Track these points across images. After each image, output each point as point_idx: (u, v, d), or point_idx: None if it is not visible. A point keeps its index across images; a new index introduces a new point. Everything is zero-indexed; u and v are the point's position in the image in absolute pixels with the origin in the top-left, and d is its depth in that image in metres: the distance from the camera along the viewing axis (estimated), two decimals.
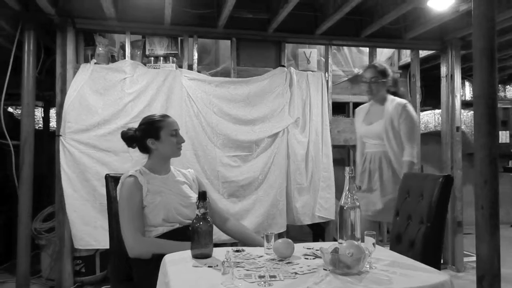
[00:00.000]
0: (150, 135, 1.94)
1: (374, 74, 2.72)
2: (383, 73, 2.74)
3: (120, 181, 1.90)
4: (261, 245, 1.64)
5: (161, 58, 3.45)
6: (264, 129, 3.47)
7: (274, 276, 1.28)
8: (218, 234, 2.46)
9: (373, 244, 1.45)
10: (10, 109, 4.92)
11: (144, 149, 1.99)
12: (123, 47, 3.43)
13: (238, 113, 3.44)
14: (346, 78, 4.23)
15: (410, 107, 2.69)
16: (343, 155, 4.99)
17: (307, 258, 1.52)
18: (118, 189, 1.89)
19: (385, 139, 2.65)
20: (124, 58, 3.36)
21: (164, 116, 2.02)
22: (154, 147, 1.95)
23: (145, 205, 1.84)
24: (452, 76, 3.95)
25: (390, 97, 2.75)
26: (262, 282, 1.22)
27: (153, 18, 3.34)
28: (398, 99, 2.74)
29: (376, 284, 1.23)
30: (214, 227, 1.90)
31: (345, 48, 4.20)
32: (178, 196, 1.91)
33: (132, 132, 1.99)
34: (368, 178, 2.75)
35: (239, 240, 2.11)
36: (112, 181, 2.02)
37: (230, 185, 3.38)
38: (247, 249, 1.64)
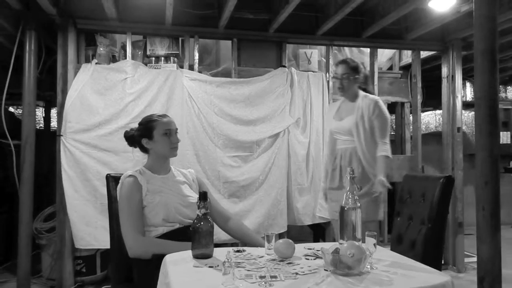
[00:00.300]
0: (144, 135, 1.95)
1: (346, 70, 2.65)
2: (355, 69, 2.67)
3: (120, 181, 1.90)
4: (262, 246, 1.64)
5: (162, 58, 3.45)
6: (265, 130, 3.47)
7: (275, 277, 1.28)
8: (218, 235, 2.46)
9: (374, 244, 1.45)
10: (11, 109, 4.93)
11: (143, 149, 2.00)
12: (124, 47, 3.43)
13: (239, 114, 3.44)
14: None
15: (382, 103, 2.64)
16: None
17: (308, 259, 1.52)
18: (118, 189, 1.90)
19: (355, 135, 2.59)
20: (125, 58, 3.36)
21: (161, 116, 2.00)
22: (149, 147, 1.96)
23: (145, 205, 1.84)
24: (453, 77, 3.95)
25: (362, 93, 2.69)
26: (263, 283, 1.22)
27: (154, 19, 3.34)
28: (370, 96, 2.69)
29: (377, 284, 1.23)
30: (216, 226, 1.91)
31: (346, 48, 4.20)
32: (178, 196, 1.91)
33: (132, 132, 2.00)
34: (339, 176, 2.67)
35: (240, 240, 2.11)
36: (113, 181, 2.02)
37: (231, 185, 3.38)
38: (248, 250, 1.64)
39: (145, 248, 1.75)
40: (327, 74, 3.74)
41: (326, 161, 2.85)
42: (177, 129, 2.02)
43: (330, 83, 3.72)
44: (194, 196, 1.95)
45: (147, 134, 1.95)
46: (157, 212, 1.83)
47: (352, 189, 1.52)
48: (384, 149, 2.57)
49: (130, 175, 1.87)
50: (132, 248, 1.77)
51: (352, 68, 2.66)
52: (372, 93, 2.79)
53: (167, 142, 1.94)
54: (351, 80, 2.64)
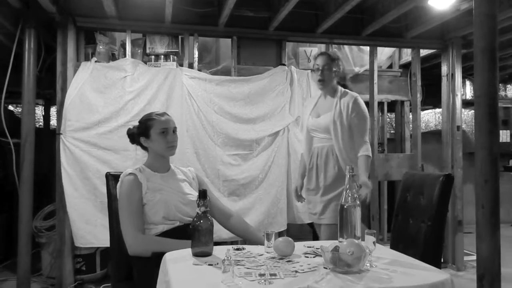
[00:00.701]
0: (142, 133, 1.96)
1: (327, 61, 2.52)
2: (335, 61, 2.56)
3: (120, 179, 1.90)
4: (263, 243, 1.64)
5: (162, 56, 3.45)
6: (265, 128, 3.47)
7: (274, 274, 1.28)
8: (218, 233, 2.47)
9: (374, 242, 1.45)
10: (10, 107, 4.92)
11: (143, 146, 2.00)
12: (123, 46, 3.43)
13: (239, 112, 3.44)
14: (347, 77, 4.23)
15: (361, 101, 2.54)
16: None
17: (307, 257, 1.52)
18: (118, 187, 1.90)
19: (332, 133, 2.46)
20: (125, 56, 3.36)
21: (159, 114, 1.98)
22: (147, 145, 1.97)
23: (145, 202, 1.84)
24: (453, 75, 3.95)
25: (341, 89, 2.58)
26: (263, 280, 1.22)
27: (154, 17, 3.33)
28: (350, 92, 2.59)
29: (377, 282, 1.23)
30: (217, 224, 1.91)
31: (346, 46, 4.19)
32: (178, 194, 1.91)
33: (133, 130, 2.00)
34: (315, 176, 2.56)
35: (242, 237, 2.11)
36: (112, 179, 2.03)
37: (231, 183, 3.38)
38: (248, 248, 1.64)
39: (145, 246, 1.76)
40: None
41: (303, 160, 2.74)
42: (175, 127, 2.00)
43: None
44: (194, 194, 1.95)
45: (145, 132, 1.95)
46: (157, 210, 1.83)
47: (351, 187, 1.52)
48: (366, 148, 2.47)
49: (130, 173, 1.87)
50: (132, 246, 1.77)
51: (333, 60, 2.55)
52: (351, 90, 2.67)
53: (164, 141, 1.93)
54: (332, 73, 2.53)
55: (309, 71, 3.68)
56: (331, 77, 2.54)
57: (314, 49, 3.90)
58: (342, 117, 2.47)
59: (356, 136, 2.49)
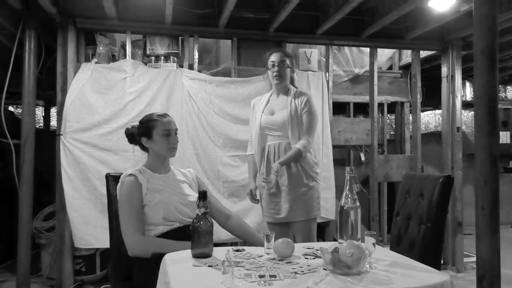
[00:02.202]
0: (143, 133, 1.96)
1: (283, 57, 2.52)
2: (290, 59, 2.56)
3: (120, 180, 1.90)
4: (263, 244, 1.64)
5: (162, 57, 3.45)
6: None
7: (274, 276, 1.28)
8: (218, 234, 2.47)
9: (373, 244, 1.45)
10: (10, 108, 4.92)
11: (143, 147, 2.00)
12: (124, 47, 3.43)
13: (239, 113, 3.44)
14: (347, 78, 4.24)
15: (313, 100, 2.55)
16: (343, 155, 5.00)
17: (307, 258, 1.53)
18: (118, 188, 1.90)
19: (289, 130, 2.45)
20: (125, 57, 3.36)
21: (161, 116, 1.99)
22: (148, 146, 1.97)
23: (145, 203, 1.84)
24: (452, 77, 3.95)
25: (294, 88, 2.59)
26: (262, 282, 1.22)
27: (154, 18, 3.34)
28: (303, 91, 2.61)
29: (376, 284, 1.23)
30: (217, 225, 1.91)
31: (346, 48, 4.20)
32: (178, 195, 1.91)
33: (133, 130, 2.00)
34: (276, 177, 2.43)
35: (241, 238, 2.11)
36: (112, 180, 2.03)
37: (231, 184, 3.38)
38: (247, 249, 1.64)
39: (145, 247, 1.76)
40: (327, 74, 3.74)
41: (252, 161, 2.64)
42: (177, 129, 2.01)
43: (330, 82, 3.73)
44: (194, 195, 1.95)
45: (147, 133, 1.95)
46: (157, 211, 1.83)
47: (351, 188, 1.52)
48: (303, 144, 2.42)
49: (130, 174, 1.88)
50: (132, 247, 1.77)
51: (288, 56, 2.56)
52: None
53: (165, 142, 1.94)
54: (287, 69, 2.52)
55: (309, 72, 3.68)
56: (286, 73, 2.54)
57: (314, 51, 3.91)
58: (297, 114, 2.47)
59: (301, 131, 2.47)
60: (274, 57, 2.53)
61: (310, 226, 2.48)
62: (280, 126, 2.48)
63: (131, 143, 2.02)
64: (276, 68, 2.51)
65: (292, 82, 2.61)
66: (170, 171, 2.02)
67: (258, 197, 2.63)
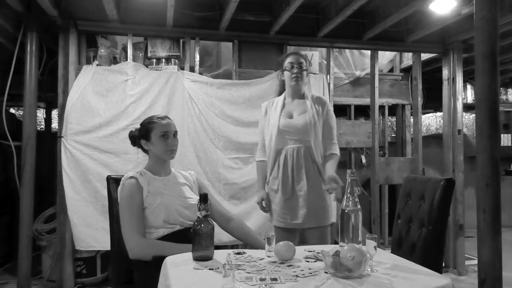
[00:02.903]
0: (143, 136, 1.96)
1: (300, 59, 2.49)
2: (307, 61, 2.56)
3: (121, 182, 1.90)
4: (263, 247, 1.64)
5: (163, 60, 3.46)
6: None
7: (275, 279, 1.28)
8: (219, 236, 2.46)
9: (375, 247, 1.45)
10: (12, 110, 4.93)
11: (144, 149, 2.00)
12: (125, 49, 3.43)
13: (240, 115, 3.45)
14: (348, 81, 4.24)
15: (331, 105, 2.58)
16: (344, 158, 4.99)
17: (308, 261, 1.52)
18: (119, 190, 1.90)
19: (312, 133, 2.40)
20: (126, 60, 3.37)
21: (160, 118, 1.99)
22: (147, 148, 1.97)
23: (146, 206, 1.84)
24: (454, 79, 3.95)
25: (307, 91, 2.56)
26: (263, 285, 1.22)
27: (155, 20, 3.35)
28: (321, 96, 2.61)
29: (377, 287, 1.22)
30: (217, 227, 1.91)
31: (347, 50, 4.20)
32: (178, 198, 1.91)
33: (134, 132, 2.01)
34: (291, 179, 2.41)
35: (242, 241, 2.10)
36: (113, 182, 2.02)
37: (232, 187, 3.38)
38: (248, 252, 1.64)
39: (146, 250, 1.75)
40: (328, 76, 3.74)
41: (261, 168, 2.57)
42: (176, 132, 2.00)
43: (331, 85, 3.73)
44: (194, 198, 1.95)
45: (145, 135, 1.96)
46: (158, 213, 1.83)
47: (352, 191, 1.52)
48: (335, 147, 2.47)
49: (131, 177, 1.87)
50: (133, 249, 1.77)
51: (305, 59, 2.54)
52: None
53: (163, 144, 1.93)
54: (304, 71, 2.49)
55: (310, 74, 3.66)
56: (304, 75, 2.51)
57: (315, 53, 3.91)
58: (318, 118, 2.45)
59: (327, 136, 2.47)
60: (292, 59, 2.50)
61: (326, 232, 2.45)
62: (300, 130, 2.43)
63: (134, 145, 2.02)
64: (295, 70, 2.47)
65: (304, 85, 2.58)
66: (171, 173, 2.02)
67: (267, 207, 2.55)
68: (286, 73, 2.50)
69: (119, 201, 1.88)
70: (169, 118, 2.02)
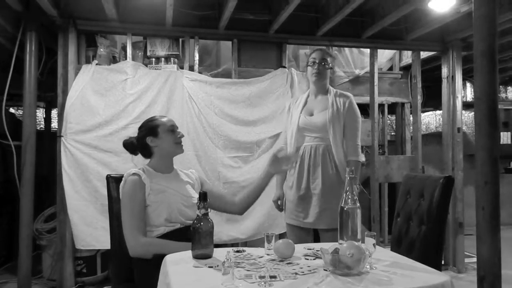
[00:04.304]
0: (149, 133, 1.96)
1: (324, 56, 2.45)
2: (332, 60, 2.51)
3: (123, 178, 1.89)
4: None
5: (162, 59, 3.46)
6: (265, 130, 3.47)
7: (274, 277, 1.28)
8: (218, 235, 2.47)
9: (374, 244, 1.45)
10: (11, 110, 4.93)
11: (147, 152, 1.99)
12: (124, 48, 3.44)
13: (239, 114, 3.45)
14: (347, 79, 4.24)
15: (355, 101, 2.48)
16: None
17: (307, 259, 1.52)
18: (121, 186, 1.89)
19: (331, 131, 2.34)
20: (126, 59, 3.37)
21: (161, 116, 2.05)
22: (154, 145, 1.96)
23: (148, 204, 1.84)
24: (453, 77, 3.95)
25: (333, 88, 2.51)
26: (263, 283, 1.22)
27: (155, 20, 3.34)
28: (344, 92, 2.51)
29: (377, 284, 1.23)
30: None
31: (346, 49, 4.20)
32: (181, 196, 1.91)
33: (131, 139, 2.00)
34: (307, 177, 2.37)
35: (251, 202, 2.15)
36: (113, 181, 2.02)
37: (231, 185, 3.38)
38: (248, 250, 1.64)
39: (146, 248, 1.76)
40: None
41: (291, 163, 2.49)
42: (177, 127, 2.05)
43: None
44: (196, 197, 1.95)
45: (152, 132, 1.95)
46: (160, 212, 1.83)
47: (351, 189, 1.52)
48: (358, 153, 2.38)
49: (133, 173, 1.86)
50: (133, 248, 1.77)
51: (329, 56, 2.51)
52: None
53: (172, 137, 1.96)
54: (327, 69, 2.46)
55: (308, 68, 3.65)
56: (327, 73, 2.47)
57: None
58: (339, 116, 2.38)
59: (349, 137, 2.38)
60: (316, 55, 2.47)
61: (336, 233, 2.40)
62: (320, 128, 2.38)
63: (131, 152, 2.01)
64: (316, 66, 2.43)
65: (331, 82, 2.54)
66: (173, 171, 2.02)
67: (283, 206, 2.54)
68: (309, 69, 2.48)
69: (121, 197, 1.87)
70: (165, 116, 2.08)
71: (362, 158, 2.42)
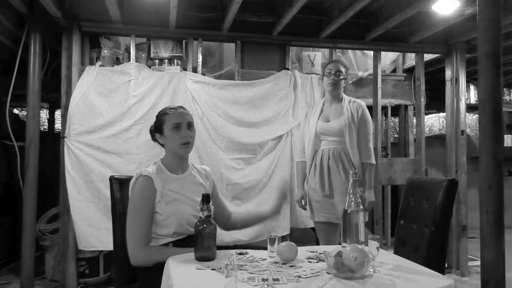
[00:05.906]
0: (156, 129, 1.86)
1: (340, 67, 2.70)
2: (346, 71, 2.76)
3: (135, 177, 1.78)
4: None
5: (166, 60, 3.46)
6: (268, 132, 3.47)
7: (277, 279, 1.28)
8: (221, 237, 2.47)
9: (377, 248, 1.45)
10: (15, 111, 4.94)
11: (161, 145, 1.89)
12: (128, 50, 3.44)
13: (242, 116, 3.45)
14: (351, 81, 4.23)
15: (367, 109, 2.73)
16: None
17: (310, 262, 1.52)
18: (131, 184, 1.79)
19: (347, 136, 2.59)
20: (129, 60, 3.37)
21: (173, 108, 1.85)
22: (162, 142, 1.86)
23: (157, 211, 1.74)
24: (457, 80, 3.94)
25: (346, 96, 2.75)
26: (265, 285, 1.22)
27: (158, 21, 3.35)
28: (357, 100, 2.76)
29: None
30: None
31: (350, 51, 4.19)
32: (192, 205, 1.79)
33: (152, 127, 1.92)
34: (328, 178, 2.62)
35: (248, 225, 2.13)
36: (116, 183, 2.01)
37: (234, 187, 3.38)
38: (251, 252, 1.64)
39: (149, 259, 1.69)
40: None
41: (301, 169, 2.81)
42: (190, 122, 1.84)
43: None
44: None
45: (159, 128, 1.84)
46: (169, 223, 1.74)
47: (355, 191, 1.51)
48: (371, 156, 2.65)
49: (146, 175, 1.74)
50: (135, 257, 1.70)
51: (344, 67, 2.74)
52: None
53: (176, 137, 1.78)
54: (342, 80, 2.70)
55: (313, 75, 3.68)
56: (341, 83, 2.70)
57: (317, 54, 3.91)
58: (353, 120, 2.63)
59: (362, 141, 2.63)
60: (332, 66, 2.72)
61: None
62: (336, 133, 2.63)
63: (154, 141, 1.90)
64: (332, 77, 2.67)
65: (344, 90, 2.78)
66: (187, 170, 1.88)
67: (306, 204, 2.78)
68: (325, 79, 2.73)
69: (129, 198, 1.79)
70: (184, 108, 1.87)
71: (374, 160, 2.68)
